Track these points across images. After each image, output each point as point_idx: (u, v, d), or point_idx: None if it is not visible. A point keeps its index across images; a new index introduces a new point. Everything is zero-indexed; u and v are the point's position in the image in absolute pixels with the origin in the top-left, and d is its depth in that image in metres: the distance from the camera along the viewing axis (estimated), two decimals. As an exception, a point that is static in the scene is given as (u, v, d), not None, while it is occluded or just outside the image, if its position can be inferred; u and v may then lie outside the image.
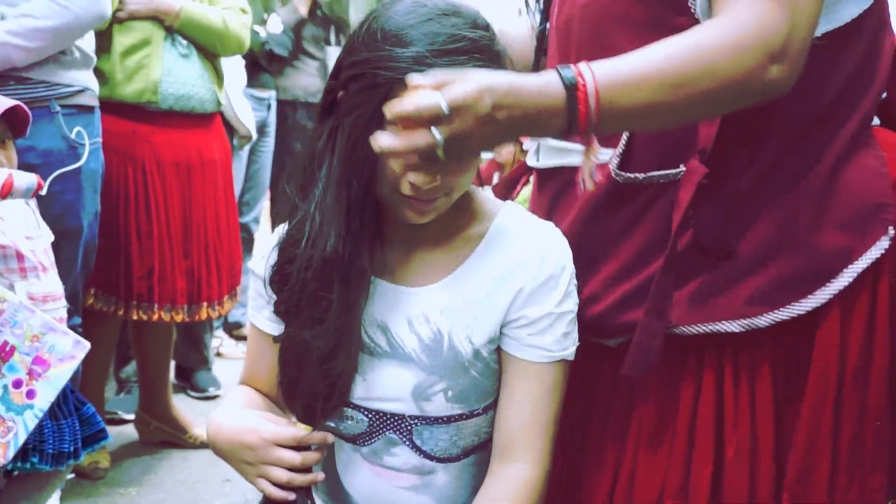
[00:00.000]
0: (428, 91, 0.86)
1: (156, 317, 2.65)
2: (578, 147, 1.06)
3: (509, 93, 0.87)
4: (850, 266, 1.02)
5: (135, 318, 2.62)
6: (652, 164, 1.07)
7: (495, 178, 4.26)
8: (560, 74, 0.88)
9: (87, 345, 1.83)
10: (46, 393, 1.80)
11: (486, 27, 1.07)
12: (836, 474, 1.04)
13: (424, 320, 1.13)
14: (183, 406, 3.03)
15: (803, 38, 0.93)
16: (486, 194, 1.21)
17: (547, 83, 0.89)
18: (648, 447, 1.10)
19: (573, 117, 0.88)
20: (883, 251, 1.02)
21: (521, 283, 1.12)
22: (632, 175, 1.08)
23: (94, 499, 2.49)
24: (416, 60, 1.00)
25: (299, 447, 1.11)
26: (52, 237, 1.97)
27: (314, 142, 1.12)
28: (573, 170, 1.11)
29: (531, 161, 1.24)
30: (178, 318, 2.71)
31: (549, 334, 1.12)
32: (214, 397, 3.29)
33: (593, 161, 0.97)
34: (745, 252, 1.04)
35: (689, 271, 1.06)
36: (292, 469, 1.10)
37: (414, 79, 0.88)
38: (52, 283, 1.92)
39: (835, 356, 1.03)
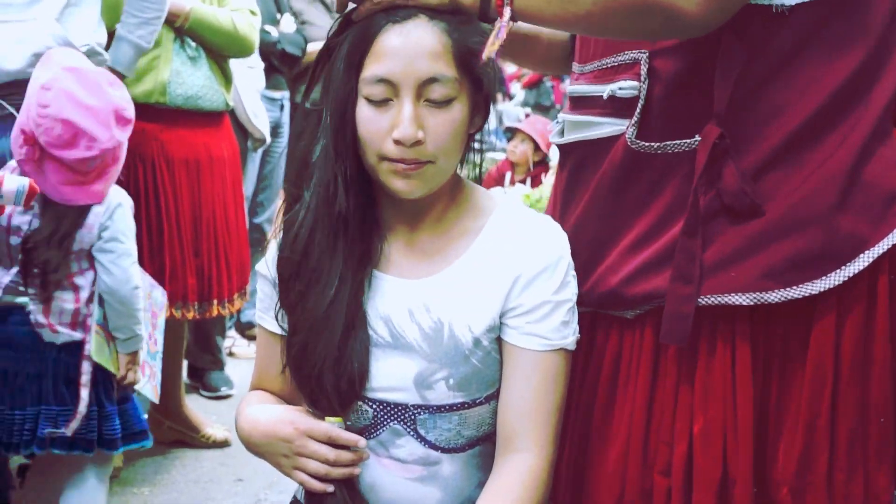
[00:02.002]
0: None
1: (168, 314, 2.65)
2: (599, 120, 1.11)
3: None
4: (865, 251, 1.00)
5: None
6: (667, 133, 1.07)
7: (507, 178, 4.27)
8: None
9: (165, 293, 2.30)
10: (161, 339, 2.28)
11: None
12: (834, 469, 1.03)
13: (425, 310, 1.15)
14: (195, 406, 3.03)
15: None
16: (483, 189, 1.23)
17: None
18: (642, 420, 1.10)
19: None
20: (894, 243, 1.01)
21: (518, 271, 1.14)
22: (647, 143, 1.08)
23: (107, 498, 2.50)
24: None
25: (334, 444, 1.13)
26: None
27: (310, 132, 1.16)
28: (593, 143, 1.14)
29: (554, 139, 1.25)
30: (190, 316, 2.73)
31: (547, 322, 1.13)
32: (227, 397, 3.30)
33: (496, 37, 1.06)
34: (762, 225, 1.03)
35: (703, 242, 1.05)
36: (327, 463, 1.13)
37: None
38: None
39: (830, 347, 1.02)
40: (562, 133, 1.25)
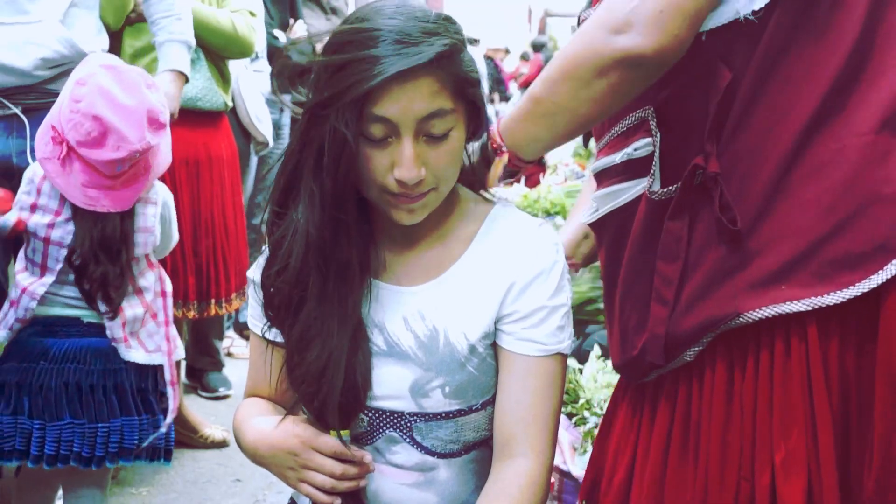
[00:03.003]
0: None
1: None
2: (622, 186, 1.14)
3: None
4: None
5: None
6: (681, 174, 1.06)
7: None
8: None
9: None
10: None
11: (446, 19, 1.10)
12: None
13: (420, 318, 1.15)
14: (194, 406, 3.04)
15: (654, 7, 0.98)
16: (476, 194, 1.22)
17: None
18: (718, 457, 1.04)
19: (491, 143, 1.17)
20: None
21: (512, 277, 1.13)
22: (664, 190, 1.08)
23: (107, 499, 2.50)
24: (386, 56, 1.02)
25: (340, 459, 1.13)
26: None
27: (297, 144, 1.11)
28: (622, 210, 1.13)
29: (588, 219, 1.23)
30: (190, 315, 2.75)
31: (542, 328, 1.13)
32: (225, 397, 3.30)
33: (501, 168, 1.17)
34: (803, 230, 0.99)
35: (742, 259, 1.02)
36: (333, 477, 1.12)
37: None
38: None
39: None
40: (594, 213, 1.23)
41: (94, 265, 1.79)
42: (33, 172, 1.84)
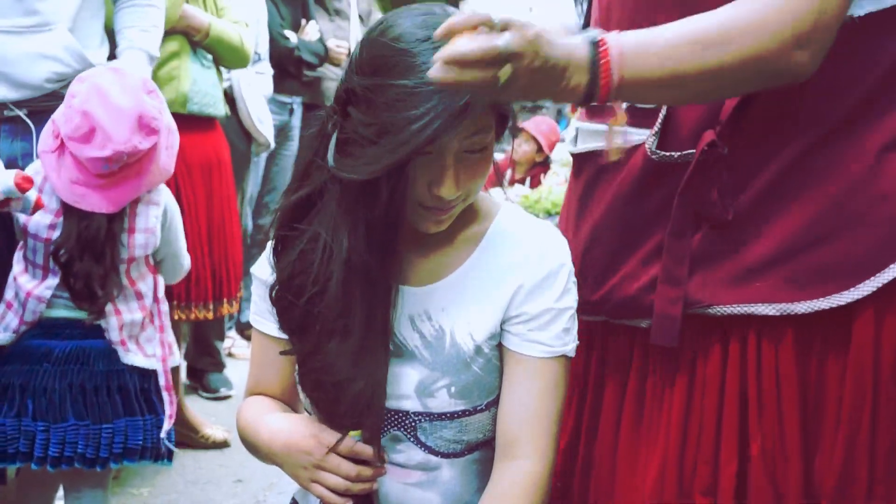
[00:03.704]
0: (487, 35, 0.86)
1: (192, 315, 2.75)
2: (618, 129, 1.09)
3: (545, 43, 0.89)
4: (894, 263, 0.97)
5: (175, 318, 2.66)
6: (687, 142, 1.06)
7: (507, 176, 4.26)
8: (586, 35, 0.92)
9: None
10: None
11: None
12: (874, 483, 1.00)
13: (426, 318, 1.15)
14: (194, 406, 3.04)
15: (830, 25, 0.93)
16: (484, 194, 1.22)
17: (574, 42, 0.92)
18: (678, 439, 1.08)
19: (595, 75, 0.91)
20: None
21: (520, 280, 1.13)
22: (667, 153, 1.07)
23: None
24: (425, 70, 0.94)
25: (355, 459, 1.13)
26: None
27: (317, 151, 1.10)
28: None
29: (569, 148, 1.24)
30: (210, 316, 2.81)
31: (549, 330, 1.13)
32: (226, 398, 3.30)
33: (618, 131, 1.00)
34: (786, 234, 1.01)
35: (725, 250, 1.04)
36: (347, 478, 1.12)
37: (472, 16, 0.87)
38: None
39: (870, 356, 0.99)
40: (575, 141, 1.24)
41: (78, 263, 1.79)
42: (34, 172, 1.84)
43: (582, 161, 1.23)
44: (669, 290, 1.05)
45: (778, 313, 1.01)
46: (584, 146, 1.20)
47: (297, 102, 3.90)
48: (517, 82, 0.88)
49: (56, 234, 1.81)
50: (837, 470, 1.00)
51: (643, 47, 0.93)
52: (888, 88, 1.01)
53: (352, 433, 1.14)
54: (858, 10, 0.98)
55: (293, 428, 1.16)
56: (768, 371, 1.03)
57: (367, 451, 1.13)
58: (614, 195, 1.13)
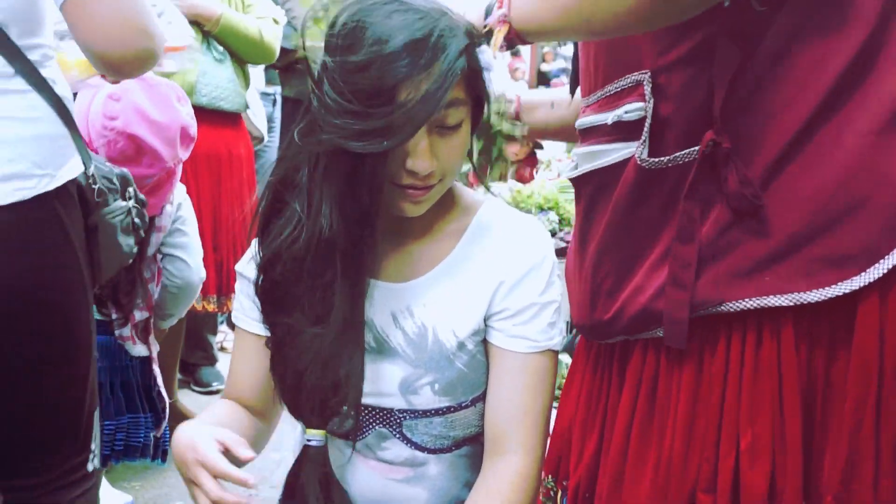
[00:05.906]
0: None
1: (201, 307, 2.76)
2: (608, 147, 1.10)
3: None
4: None
5: None
6: (675, 145, 1.06)
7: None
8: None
9: None
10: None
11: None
12: (880, 476, 0.99)
13: (409, 314, 1.14)
14: (186, 400, 3.03)
15: None
16: (466, 188, 1.22)
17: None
18: (683, 437, 1.07)
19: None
20: None
21: (502, 275, 1.13)
22: (657, 159, 1.08)
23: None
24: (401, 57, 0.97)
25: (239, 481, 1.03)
26: None
27: (300, 137, 1.08)
28: (605, 170, 1.12)
29: (569, 174, 1.24)
30: (210, 308, 2.83)
31: (533, 324, 1.13)
32: (218, 391, 3.29)
33: (497, 40, 1.05)
34: (790, 225, 1.00)
35: (732, 246, 1.03)
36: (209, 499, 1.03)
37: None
38: None
39: (875, 343, 0.98)
40: (576, 167, 1.23)
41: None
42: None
43: (580, 185, 1.22)
44: (677, 293, 1.05)
45: (791, 303, 1.00)
46: (582, 169, 1.20)
47: (278, 93, 3.90)
48: None
49: None
50: (842, 463, 0.99)
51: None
52: (868, 62, 0.99)
53: (313, 432, 1.11)
54: None
55: (190, 436, 1.07)
56: (769, 364, 1.02)
57: (233, 474, 1.02)
58: (612, 211, 1.13)
